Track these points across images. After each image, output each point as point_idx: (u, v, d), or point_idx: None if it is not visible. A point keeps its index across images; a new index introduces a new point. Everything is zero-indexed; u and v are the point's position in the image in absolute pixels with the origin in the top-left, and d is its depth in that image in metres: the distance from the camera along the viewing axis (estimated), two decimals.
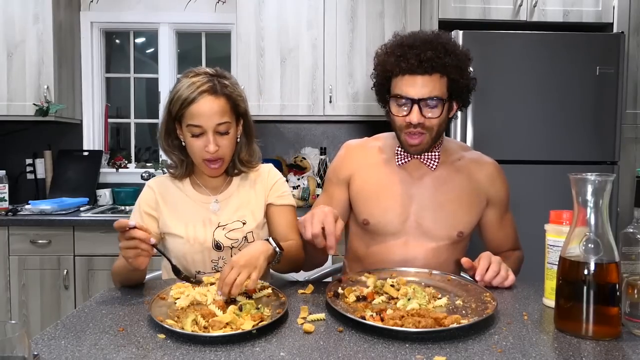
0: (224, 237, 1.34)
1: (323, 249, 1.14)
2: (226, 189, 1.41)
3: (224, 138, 1.30)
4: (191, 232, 1.33)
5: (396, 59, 1.27)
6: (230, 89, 1.31)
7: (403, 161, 1.39)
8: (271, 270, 1.47)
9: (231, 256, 1.33)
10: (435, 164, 1.37)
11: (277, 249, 1.16)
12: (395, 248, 1.38)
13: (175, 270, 1.19)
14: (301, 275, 1.41)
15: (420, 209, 1.38)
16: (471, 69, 1.33)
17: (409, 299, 1.04)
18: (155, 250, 1.14)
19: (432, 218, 1.37)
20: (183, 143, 1.34)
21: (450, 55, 1.26)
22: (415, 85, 1.26)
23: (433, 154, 1.37)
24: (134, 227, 1.10)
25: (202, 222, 1.35)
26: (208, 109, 1.26)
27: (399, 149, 1.38)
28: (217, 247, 1.33)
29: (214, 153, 1.28)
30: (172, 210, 1.37)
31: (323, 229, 1.11)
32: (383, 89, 1.36)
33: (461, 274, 1.35)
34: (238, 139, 1.37)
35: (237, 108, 1.33)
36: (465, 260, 1.26)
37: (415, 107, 1.26)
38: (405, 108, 1.29)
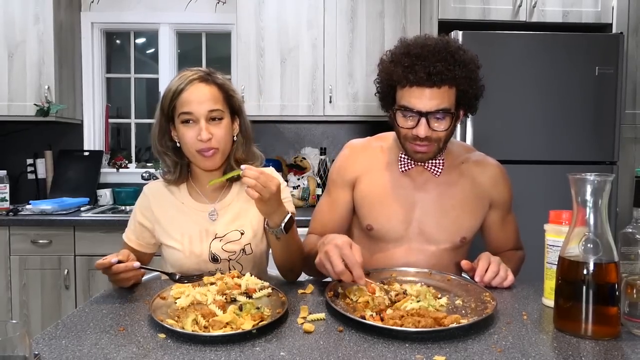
0: (221, 250, 1.31)
1: None
2: (225, 196, 1.37)
3: (217, 127, 1.27)
4: (187, 244, 1.31)
5: (403, 70, 1.22)
6: (221, 80, 1.31)
7: (406, 168, 1.37)
8: (270, 271, 1.46)
9: (229, 268, 1.31)
10: (440, 170, 1.35)
11: (283, 224, 1.16)
12: (397, 254, 1.37)
13: (172, 277, 1.19)
14: (301, 275, 1.41)
15: (424, 216, 1.36)
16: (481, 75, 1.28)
17: (418, 301, 1.04)
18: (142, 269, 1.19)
19: (435, 224, 1.36)
20: (177, 144, 1.31)
21: (459, 66, 1.22)
22: (423, 98, 1.21)
23: (437, 160, 1.35)
24: (116, 263, 1.12)
25: (199, 234, 1.32)
26: (200, 95, 1.25)
27: (402, 155, 1.36)
28: (214, 259, 1.31)
29: (207, 142, 1.25)
30: (167, 221, 1.33)
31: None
32: (388, 97, 1.32)
33: (462, 274, 1.35)
34: (235, 138, 1.34)
35: (230, 100, 1.31)
36: (464, 263, 1.26)
37: (423, 120, 1.22)
38: (412, 120, 1.25)
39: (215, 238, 1.32)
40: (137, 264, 1.14)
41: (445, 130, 1.25)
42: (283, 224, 1.17)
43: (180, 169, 1.35)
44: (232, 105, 1.32)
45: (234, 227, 1.33)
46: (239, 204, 1.36)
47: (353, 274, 1.06)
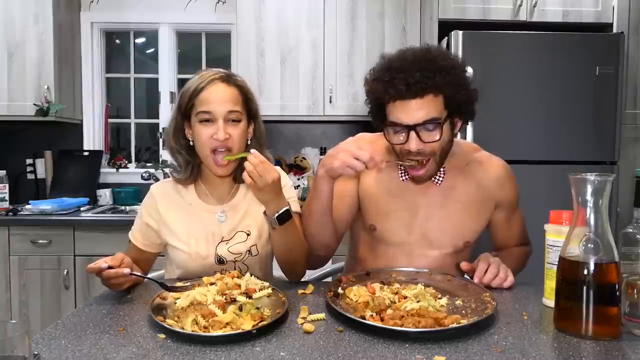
0: (227, 252, 1.31)
1: (334, 231, 1.21)
2: (233, 197, 1.36)
3: (234, 128, 1.25)
4: (193, 246, 1.30)
5: (384, 86, 1.20)
6: (241, 82, 1.31)
7: (405, 177, 1.35)
8: (273, 273, 1.46)
9: (234, 267, 1.30)
10: (441, 179, 1.33)
11: (277, 214, 1.18)
12: (399, 257, 1.36)
13: (163, 286, 1.16)
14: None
15: (427, 220, 1.35)
16: (470, 73, 1.24)
17: (418, 301, 1.04)
18: (136, 274, 1.17)
19: (439, 229, 1.35)
20: (191, 143, 1.30)
21: (440, 72, 1.18)
22: (409, 111, 1.19)
23: (439, 169, 1.32)
24: (106, 268, 1.10)
25: (205, 237, 1.31)
26: (220, 95, 1.24)
27: (402, 166, 1.34)
28: (220, 261, 1.30)
29: (223, 142, 1.23)
30: (174, 222, 1.32)
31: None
32: (378, 116, 1.30)
33: (464, 276, 1.35)
34: (249, 141, 1.33)
35: (249, 103, 1.30)
36: (464, 264, 1.26)
37: (412, 133, 1.20)
38: (402, 135, 1.22)
39: (222, 241, 1.31)
40: (127, 270, 1.12)
41: (437, 140, 1.22)
42: (277, 214, 1.18)
43: (192, 168, 1.34)
44: (250, 109, 1.31)
45: (240, 228, 1.33)
46: (245, 204, 1.36)
47: (376, 161, 1.13)
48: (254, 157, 1.13)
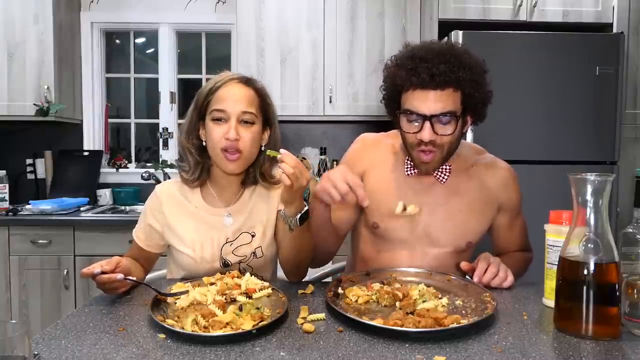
0: (232, 255, 1.30)
1: (335, 237, 1.19)
2: (238, 200, 1.34)
3: (247, 130, 1.24)
4: (198, 250, 1.28)
5: (407, 73, 1.21)
6: (260, 85, 1.30)
7: (412, 172, 1.35)
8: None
9: (239, 269, 1.29)
10: (446, 177, 1.33)
11: (299, 215, 1.17)
12: (401, 255, 1.36)
13: (157, 291, 1.11)
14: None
15: (430, 219, 1.35)
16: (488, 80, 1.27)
17: (424, 301, 1.05)
18: (129, 279, 1.14)
19: (442, 228, 1.35)
20: (204, 143, 1.28)
21: (464, 69, 1.20)
22: (427, 101, 1.20)
23: (444, 167, 1.33)
24: (99, 274, 1.09)
25: (210, 241, 1.29)
26: (235, 94, 1.24)
27: (409, 160, 1.34)
28: (225, 264, 1.30)
29: (233, 141, 1.21)
30: (178, 225, 1.30)
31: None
32: (393, 103, 1.30)
33: (466, 277, 1.35)
34: (262, 148, 1.31)
35: (266, 108, 1.29)
36: (464, 264, 1.26)
37: (427, 123, 1.20)
38: (417, 124, 1.23)
39: (227, 243, 1.30)
40: (120, 275, 1.10)
41: (450, 134, 1.23)
42: (299, 215, 1.17)
43: (201, 170, 1.31)
44: (266, 114, 1.30)
45: (245, 229, 1.32)
46: (250, 206, 1.34)
47: (357, 195, 1.09)
48: (290, 157, 1.12)
